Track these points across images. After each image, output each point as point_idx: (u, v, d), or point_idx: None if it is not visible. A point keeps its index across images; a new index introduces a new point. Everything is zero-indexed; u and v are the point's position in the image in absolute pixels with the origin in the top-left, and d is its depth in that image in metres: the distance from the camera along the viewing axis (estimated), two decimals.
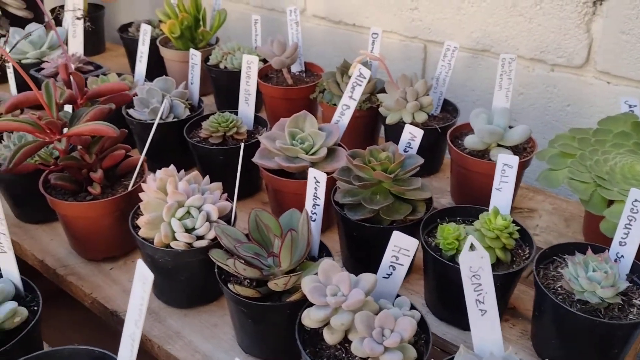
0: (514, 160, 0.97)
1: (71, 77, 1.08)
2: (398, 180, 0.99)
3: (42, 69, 1.54)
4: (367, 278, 0.78)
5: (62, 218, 1.10)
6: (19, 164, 0.95)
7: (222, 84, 1.61)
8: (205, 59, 1.66)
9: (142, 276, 0.66)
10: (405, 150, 1.08)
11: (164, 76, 1.38)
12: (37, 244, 1.18)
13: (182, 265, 0.96)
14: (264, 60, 1.64)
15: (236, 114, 1.32)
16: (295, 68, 1.61)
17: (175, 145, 1.32)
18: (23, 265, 1.15)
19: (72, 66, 1.52)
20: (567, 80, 1.42)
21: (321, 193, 0.91)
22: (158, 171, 1.03)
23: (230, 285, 0.83)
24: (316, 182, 0.91)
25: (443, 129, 1.28)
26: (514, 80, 1.24)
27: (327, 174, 1.10)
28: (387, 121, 1.28)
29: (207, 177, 1.03)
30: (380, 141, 1.49)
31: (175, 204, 0.94)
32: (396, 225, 0.99)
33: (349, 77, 1.39)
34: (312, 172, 0.91)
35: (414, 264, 1.05)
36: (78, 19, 1.42)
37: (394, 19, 1.68)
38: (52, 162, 1.06)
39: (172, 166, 1.03)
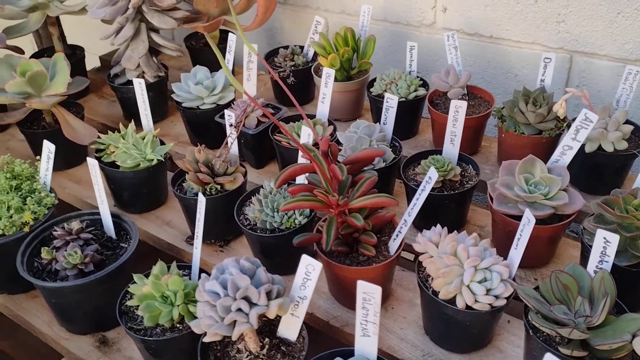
0: None
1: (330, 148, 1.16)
2: None
3: (223, 115, 1.60)
4: None
5: (333, 276, 1.20)
6: (334, 242, 1.07)
7: None
8: (368, 87, 1.73)
9: None
10: None
11: (365, 122, 1.46)
12: None
13: (479, 321, 1.07)
14: (424, 85, 1.71)
15: (439, 152, 1.41)
16: None
17: (384, 189, 1.41)
18: None
19: (260, 112, 1.58)
20: None
21: (611, 252, 1.01)
22: (427, 232, 1.13)
23: (564, 350, 0.94)
24: (606, 241, 1.01)
25: None
26: None
27: (568, 216, 1.22)
28: (587, 149, 1.38)
29: (476, 234, 1.13)
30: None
31: (473, 269, 1.05)
32: None
33: (534, 105, 1.48)
34: (602, 233, 1.01)
35: None
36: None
37: (537, 31, 1.74)
38: (335, 232, 1.15)
39: (439, 227, 1.13)
